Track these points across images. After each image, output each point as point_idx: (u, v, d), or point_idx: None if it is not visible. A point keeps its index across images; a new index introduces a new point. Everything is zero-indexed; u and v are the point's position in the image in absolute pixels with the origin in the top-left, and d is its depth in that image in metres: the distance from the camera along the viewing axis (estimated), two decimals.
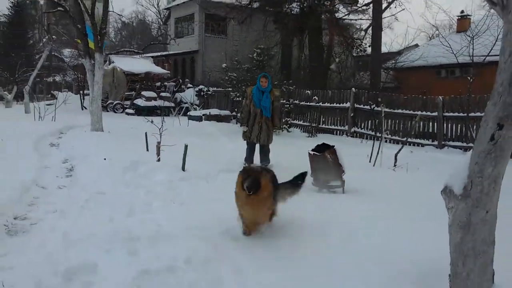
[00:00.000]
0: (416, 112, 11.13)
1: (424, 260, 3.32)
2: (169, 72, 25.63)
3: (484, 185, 2.66)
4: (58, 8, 12.84)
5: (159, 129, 7.93)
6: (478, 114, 10.37)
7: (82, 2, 11.33)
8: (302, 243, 3.78)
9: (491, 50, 11.14)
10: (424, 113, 11.39)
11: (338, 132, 14.23)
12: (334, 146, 6.17)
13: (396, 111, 12.34)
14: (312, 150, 6.20)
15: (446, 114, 11.11)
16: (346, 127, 13.86)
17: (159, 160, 7.57)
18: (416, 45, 28.69)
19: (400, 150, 8.32)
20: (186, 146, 6.90)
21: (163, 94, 21.41)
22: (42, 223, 4.44)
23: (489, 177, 2.64)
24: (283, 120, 14.62)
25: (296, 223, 4.37)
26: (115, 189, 5.61)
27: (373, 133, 12.57)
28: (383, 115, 9.32)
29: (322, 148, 6.21)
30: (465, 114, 10.54)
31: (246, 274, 3.13)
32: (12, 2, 35.93)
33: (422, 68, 22.70)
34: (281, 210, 4.38)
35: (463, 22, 23.73)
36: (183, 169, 6.87)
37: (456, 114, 10.93)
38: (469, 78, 10.28)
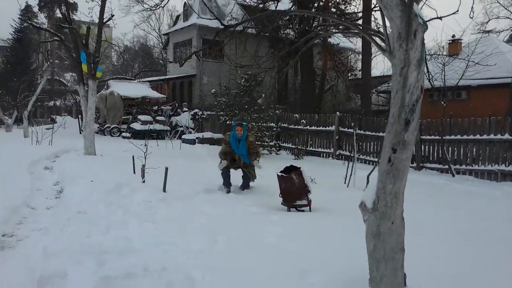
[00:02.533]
0: None
1: (354, 267, 3.77)
2: (165, 96, 26.34)
3: (387, 200, 3.16)
4: (55, 38, 13.56)
5: (144, 152, 8.44)
6: (452, 137, 10.92)
7: (78, 32, 12.03)
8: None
9: (462, 75, 11.74)
10: None
11: (324, 154, 14.73)
12: (300, 168, 6.65)
13: (377, 134, 12.86)
14: (281, 171, 6.69)
15: (423, 137, 11.60)
16: (332, 150, 14.38)
17: (143, 181, 8.07)
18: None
19: (371, 171, 8.78)
20: (166, 169, 7.41)
21: (159, 118, 22.04)
22: (27, 240, 4.92)
23: (390, 193, 3.14)
24: (273, 143, 15.17)
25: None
26: (97, 209, 6.09)
27: (358, 155, 13.14)
28: (355, 137, 9.82)
29: (290, 170, 6.69)
30: (440, 137, 11.03)
31: (196, 282, 3.59)
32: (15, 28, 37.16)
33: None
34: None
35: (454, 46, 24.42)
36: (164, 190, 7.36)
37: (432, 137, 11.42)
38: (442, 102, 10.81)
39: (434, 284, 3.58)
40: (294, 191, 6.44)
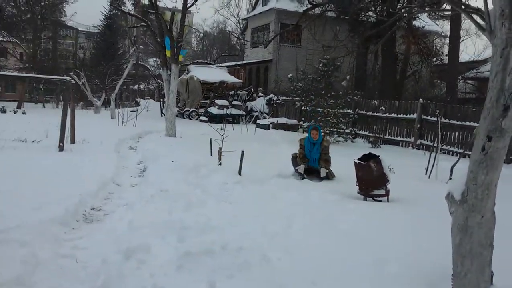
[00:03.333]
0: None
1: (431, 260, 3.59)
2: (241, 81, 26.70)
3: (478, 192, 2.94)
4: (141, 23, 14.24)
5: (221, 136, 8.65)
6: None
7: (163, 18, 12.53)
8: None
9: None
10: None
11: (403, 143, 14.13)
12: (379, 156, 6.43)
13: (463, 123, 12.07)
14: (358, 159, 6.52)
15: None
16: (412, 139, 13.74)
17: (220, 164, 8.29)
18: None
19: (456, 162, 8.27)
20: (242, 152, 7.54)
21: (235, 102, 22.45)
22: (114, 214, 5.29)
23: (482, 184, 2.92)
24: (349, 130, 14.82)
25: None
26: (177, 188, 6.36)
27: (441, 145, 12.44)
28: (439, 126, 9.28)
29: (368, 158, 6.49)
30: None
31: (272, 263, 3.63)
32: (105, 15, 39.65)
33: None
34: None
35: None
36: (239, 173, 7.51)
37: None
38: None
39: None
40: (371, 180, 6.24)
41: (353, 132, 15.41)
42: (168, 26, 12.73)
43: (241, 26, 45.73)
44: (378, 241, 4.29)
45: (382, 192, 6.26)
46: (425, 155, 12.18)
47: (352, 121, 15.49)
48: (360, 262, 3.73)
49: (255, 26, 33.05)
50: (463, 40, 28.55)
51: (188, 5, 12.48)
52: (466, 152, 11.38)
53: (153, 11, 12.71)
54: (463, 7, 3.34)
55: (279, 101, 21.24)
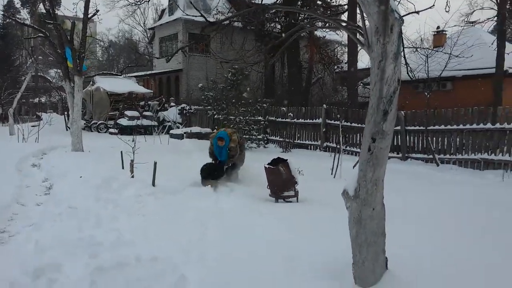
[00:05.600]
0: None
1: (338, 252, 3.93)
2: (151, 91, 26.23)
3: (368, 187, 3.31)
4: (39, 34, 13.47)
5: (132, 148, 8.51)
6: (436, 127, 11.16)
7: (62, 28, 11.97)
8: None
9: (444, 67, 11.97)
10: None
11: (312, 146, 14.91)
12: (287, 160, 6.80)
13: (363, 125, 13.03)
14: (268, 164, 6.83)
15: (408, 128, 11.83)
16: (319, 142, 14.55)
17: (132, 176, 8.14)
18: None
19: (357, 162, 8.96)
20: (155, 164, 7.50)
21: (146, 113, 21.99)
22: (19, 235, 4.99)
23: (370, 180, 3.30)
24: (261, 136, 15.30)
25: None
26: (87, 204, 6.16)
27: (344, 147, 13.35)
28: (340, 129, 10.00)
29: (277, 162, 6.83)
30: (424, 128, 11.26)
31: (186, 271, 3.72)
32: None
33: (403, 82, 23.31)
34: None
35: (439, 38, 24.68)
36: (153, 184, 7.45)
37: (416, 127, 11.65)
38: (426, 93, 11.03)
39: (413, 265, 3.75)
40: (281, 183, 6.58)
41: (265, 138, 15.92)
42: (69, 36, 12.18)
43: (148, 35, 44.87)
44: (287, 240, 4.57)
45: (292, 193, 6.63)
46: (331, 156, 13.01)
47: (264, 127, 16.00)
48: (272, 262, 3.96)
49: (163, 36, 32.65)
50: (360, 49, 30.79)
51: (89, 15, 12.05)
52: (352, 150, 12.40)
53: (52, 22, 12.08)
54: (344, 24, 3.73)
55: (192, 111, 21.23)
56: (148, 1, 23.44)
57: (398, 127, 12.05)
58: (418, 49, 13.75)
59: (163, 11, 36.09)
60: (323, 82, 26.36)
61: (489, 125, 10.14)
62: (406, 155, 11.81)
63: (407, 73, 11.21)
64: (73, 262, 3.83)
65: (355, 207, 3.39)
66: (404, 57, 5.41)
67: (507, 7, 16.26)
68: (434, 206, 6.60)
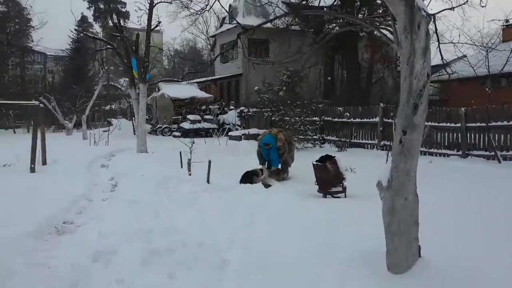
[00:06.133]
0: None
1: (376, 243, 4.02)
2: (212, 96, 27.11)
3: (400, 178, 3.40)
4: (108, 46, 14.53)
5: (190, 148, 9.00)
6: (499, 123, 10.67)
7: (128, 40, 12.86)
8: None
9: (506, 62, 11.39)
10: (448, 124, 11.89)
11: (368, 145, 14.76)
12: (335, 156, 6.90)
13: None
14: (316, 161, 6.97)
15: (469, 124, 11.40)
16: (376, 141, 14.37)
17: (190, 174, 8.63)
18: (465, 56, 28.20)
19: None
20: (209, 162, 7.91)
21: (207, 116, 22.82)
22: (85, 226, 5.53)
23: (402, 171, 3.38)
24: (317, 136, 15.36)
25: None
26: (147, 199, 6.66)
27: None
28: (394, 127, 9.84)
29: (325, 159, 6.96)
30: (486, 124, 10.81)
31: (227, 255, 4.01)
32: (72, 38, 39.61)
33: (468, 79, 21.87)
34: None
35: (509, 31, 23.26)
36: (208, 181, 7.86)
37: (478, 124, 11.20)
38: (487, 89, 10.58)
39: (447, 255, 3.77)
40: (329, 179, 6.70)
41: (321, 138, 15.97)
42: (134, 47, 13.05)
43: (211, 42, 46.28)
44: (328, 231, 4.72)
45: (340, 189, 6.73)
46: (389, 155, 12.85)
47: (320, 127, 16.06)
48: (310, 249, 4.15)
49: (223, 42, 33.60)
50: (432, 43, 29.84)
51: (152, 27, 12.85)
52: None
53: (118, 34, 13.02)
54: (377, 24, 3.85)
55: (250, 113, 21.73)
56: (208, 10, 24.15)
57: (459, 124, 11.67)
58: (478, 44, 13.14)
59: (223, 19, 37.12)
60: (385, 82, 25.81)
61: None
62: (467, 152, 11.38)
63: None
64: (129, 247, 4.24)
65: (388, 197, 3.48)
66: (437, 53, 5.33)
67: None
68: (484, 202, 6.43)
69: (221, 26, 36.56)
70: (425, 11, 3.11)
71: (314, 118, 15.81)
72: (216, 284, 3.52)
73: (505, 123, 10.57)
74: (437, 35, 6.41)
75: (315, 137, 15.32)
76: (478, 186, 7.83)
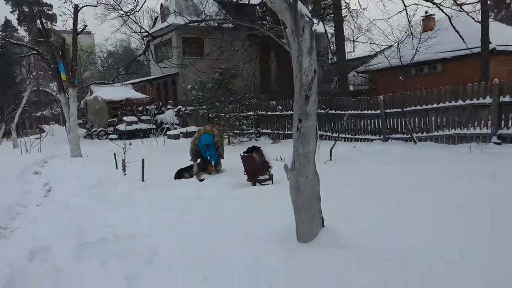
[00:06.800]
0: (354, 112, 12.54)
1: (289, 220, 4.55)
2: (148, 96, 26.95)
3: (300, 160, 3.93)
4: (32, 52, 14.19)
5: (123, 149, 9.19)
6: (412, 108, 11.74)
7: (53, 44, 12.66)
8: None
9: (415, 52, 12.52)
10: (370, 111, 12.86)
11: None
12: (260, 147, 7.43)
13: (342, 112, 13.64)
14: (243, 152, 7.46)
15: (387, 111, 12.41)
16: None
17: (125, 174, 8.83)
18: (391, 46, 29.92)
19: (333, 146, 9.60)
20: (143, 161, 8.18)
21: (144, 117, 22.74)
22: (19, 230, 5.65)
23: (302, 154, 3.92)
24: (253, 130, 15.94)
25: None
26: (81, 201, 6.82)
27: (330, 133, 13.99)
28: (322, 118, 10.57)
29: (252, 150, 7.46)
30: (402, 110, 11.84)
31: (158, 242, 4.38)
32: None
33: (393, 68, 23.14)
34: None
35: (428, 22, 25.00)
36: (143, 180, 8.13)
37: (395, 110, 12.23)
38: (400, 77, 11.58)
39: (348, 223, 4.38)
40: (256, 168, 7.21)
41: (257, 131, 16.56)
42: (60, 52, 12.88)
43: (144, 42, 45.53)
44: (251, 214, 5.21)
45: (267, 177, 7.26)
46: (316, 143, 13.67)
47: (255, 121, 16.64)
48: (234, 232, 4.61)
49: (157, 42, 33.34)
50: (357, 39, 31.55)
51: (78, 30, 12.75)
52: (340, 136, 13.07)
53: (42, 39, 12.79)
54: (273, 29, 4.40)
55: (187, 111, 21.92)
56: (138, 11, 23.92)
57: (378, 111, 12.66)
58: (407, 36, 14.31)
59: (156, 18, 36.76)
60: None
61: (460, 102, 10.69)
62: (387, 136, 12.39)
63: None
64: (63, 243, 4.48)
65: (293, 177, 4.01)
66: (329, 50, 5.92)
67: None
68: (391, 179, 7.16)
69: (153, 26, 36.18)
70: (307, 16, 3.64)
71: (249, 113, 16.35)
72: (145, 270, 3.88)
73: (418, 107, 11.65)
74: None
75: (250, 131, 15.87)
76: (397, 166, 8.60)
